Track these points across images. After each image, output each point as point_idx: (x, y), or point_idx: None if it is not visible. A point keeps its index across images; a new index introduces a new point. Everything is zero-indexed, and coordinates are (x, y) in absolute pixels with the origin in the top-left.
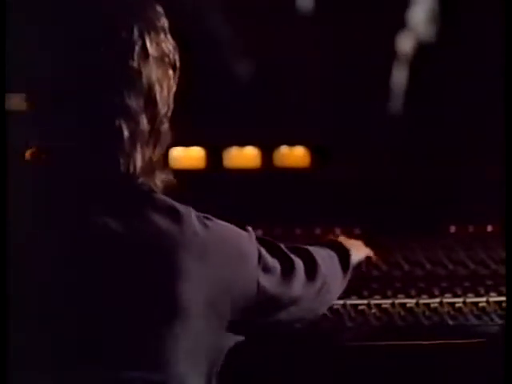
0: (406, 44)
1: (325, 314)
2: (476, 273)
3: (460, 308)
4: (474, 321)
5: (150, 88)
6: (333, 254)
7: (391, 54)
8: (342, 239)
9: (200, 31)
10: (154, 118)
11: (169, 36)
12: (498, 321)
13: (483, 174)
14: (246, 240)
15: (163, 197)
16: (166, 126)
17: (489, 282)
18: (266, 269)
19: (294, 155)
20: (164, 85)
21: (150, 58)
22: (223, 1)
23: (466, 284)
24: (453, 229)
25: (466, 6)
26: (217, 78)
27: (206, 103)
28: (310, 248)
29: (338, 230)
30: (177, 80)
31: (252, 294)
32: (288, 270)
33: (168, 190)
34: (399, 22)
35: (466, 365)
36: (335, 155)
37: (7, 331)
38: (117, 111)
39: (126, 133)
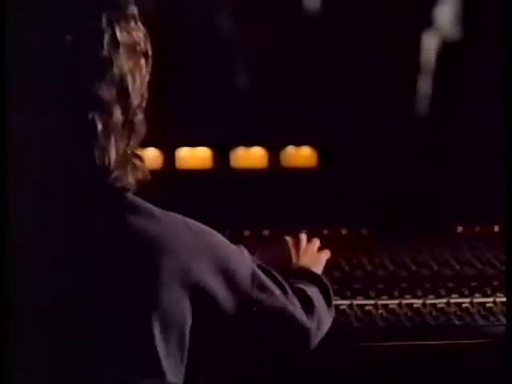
0: (429, 43)
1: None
2: (483, 273)
3: (467, 308)
4: (480, 321)
5: (122, 78)
6: (315, 289)
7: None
8: (303, 259)
9: (208, 32)
10: (127, 110)
11: (139, 24)
12: (505, 321)
13: (491, 174)
14: (232, 249)
15: (134, 197)
16: (140, 118)
17: (495, 283)
18: (261, 287)
19: (301, 155)
20: (136, 74)
21: (121, 47)
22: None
23: (473, 284)
24: (459, 229)
25: (491, 6)
26: (224, 78)
27: (212, 104)
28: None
29: (344, 231)
30: (150, 69)
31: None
32: (286, 293)
33: (141, 187)
34: (424, 22)
35: (473, 365)
36: (342, 155)
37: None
38: (89, 102)
39: (99, 125)
